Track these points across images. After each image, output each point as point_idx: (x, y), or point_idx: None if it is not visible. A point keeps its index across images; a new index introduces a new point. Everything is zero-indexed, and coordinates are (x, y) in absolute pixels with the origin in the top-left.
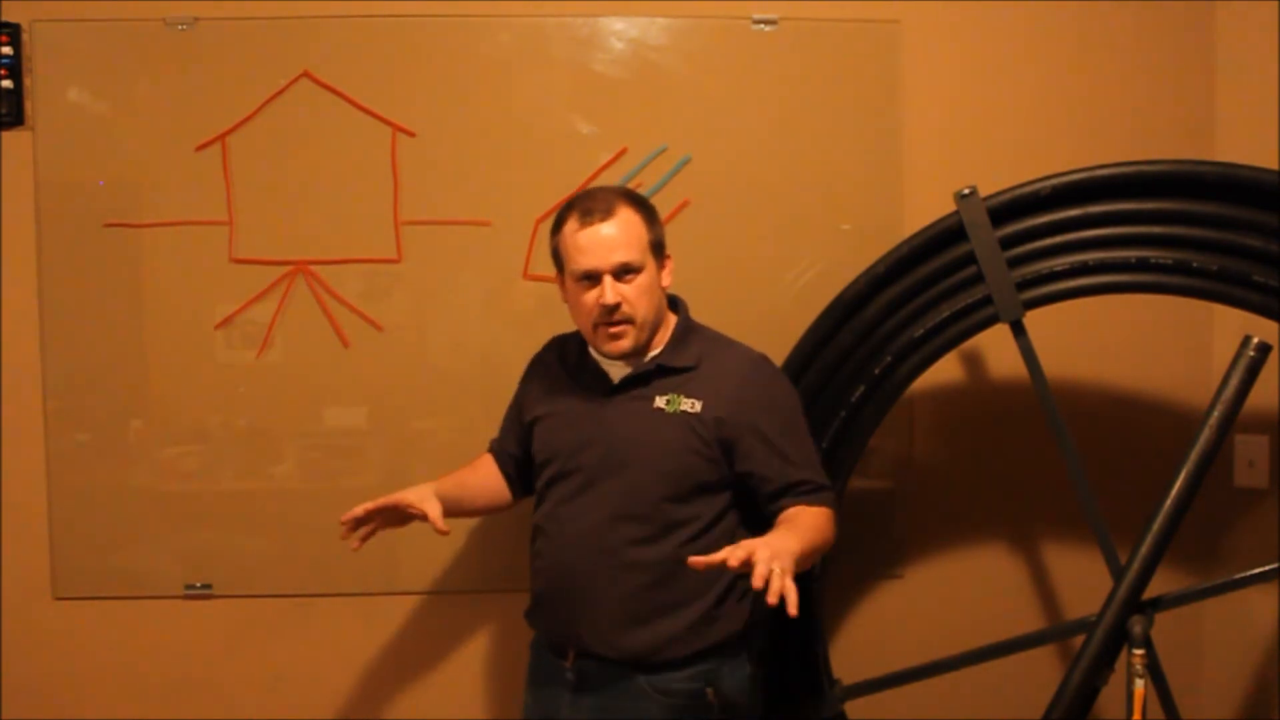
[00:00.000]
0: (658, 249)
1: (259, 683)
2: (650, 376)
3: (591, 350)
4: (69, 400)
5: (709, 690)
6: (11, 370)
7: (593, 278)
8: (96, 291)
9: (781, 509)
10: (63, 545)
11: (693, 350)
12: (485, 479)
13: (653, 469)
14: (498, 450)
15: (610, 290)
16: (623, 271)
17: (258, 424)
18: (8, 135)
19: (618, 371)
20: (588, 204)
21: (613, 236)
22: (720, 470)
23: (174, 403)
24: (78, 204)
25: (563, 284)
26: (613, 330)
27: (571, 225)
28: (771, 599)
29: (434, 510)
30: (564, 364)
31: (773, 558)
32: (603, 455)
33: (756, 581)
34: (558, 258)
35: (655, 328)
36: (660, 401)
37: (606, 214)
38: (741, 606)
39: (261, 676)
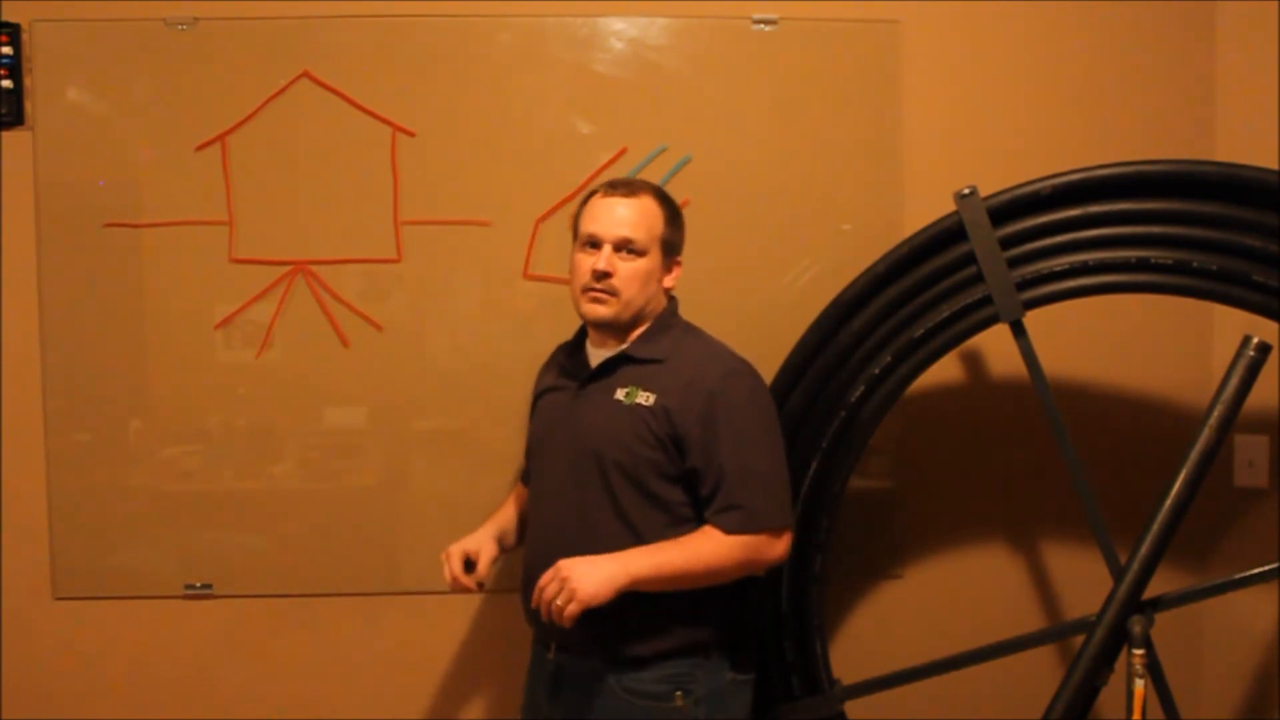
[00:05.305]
0: (668, 248)
1: (259, 683)
2: (615, 367)
3: (587, 344)
4: (69, 400)
5: (678, 694)
6: (11, 370)
7: (595, 244)
8: (96, 291)
9: (706, 519)
10: (63, 545)
11: (664, 344)
12: (521, 506)
13: (608, 459)
14: (525, 476)
15: (605, 259)
16: (623, 247)
17: (258, 424)
18: (8, 135)
19: (595, 362)
20: (619, 180)
21: (625, 215)
22: (677, 464)
23: (174, 403)
24: (78, 204)
25: (573, 256)
26: (596, 294)
27: (597, 194)
28: (544, 617)
29: (487, 555)
30: (557, 364)
31: (559, 593)
32: (568, 445)
33: (542, 610)
34: (576, 226)
35: (640, 314)
36: (620, 393)
37: (630, 193)
38: (721, 610)
39: (261, 676)
